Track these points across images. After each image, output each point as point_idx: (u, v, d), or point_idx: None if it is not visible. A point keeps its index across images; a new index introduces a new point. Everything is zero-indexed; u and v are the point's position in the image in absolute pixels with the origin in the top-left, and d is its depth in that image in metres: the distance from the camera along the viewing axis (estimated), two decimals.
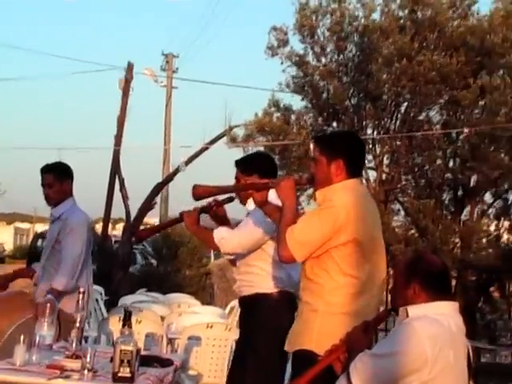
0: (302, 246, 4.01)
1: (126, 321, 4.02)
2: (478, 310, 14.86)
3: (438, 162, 14.98)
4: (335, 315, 4.01)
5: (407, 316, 3.58)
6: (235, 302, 12.68)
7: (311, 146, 4.44)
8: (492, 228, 15.44)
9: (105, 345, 6.57)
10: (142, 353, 4.29)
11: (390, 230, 14.20)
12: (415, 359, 3.39)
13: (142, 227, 16.01)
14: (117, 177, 17.77)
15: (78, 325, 4.64)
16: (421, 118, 15.16)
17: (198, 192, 4.62)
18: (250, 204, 5.08)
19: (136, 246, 22.82)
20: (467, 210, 15.29)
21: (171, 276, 17.92)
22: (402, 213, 15.99)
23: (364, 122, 15.51)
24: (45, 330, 4.45)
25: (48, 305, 4.49)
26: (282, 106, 15.93)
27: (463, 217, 15.23)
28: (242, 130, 16.35)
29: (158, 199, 19.86)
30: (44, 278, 5.94)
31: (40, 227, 70.38)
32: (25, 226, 71.87)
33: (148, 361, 4.41)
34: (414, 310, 3.57)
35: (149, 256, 29.61)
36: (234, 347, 6.82)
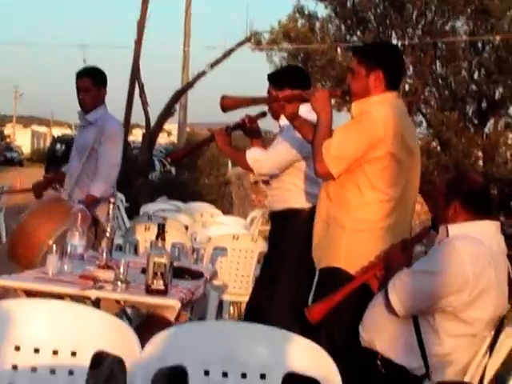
0: (339, 161, 3.92)
1: (160, 233, 3.98)
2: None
3: (463, 73, 14.72)
4: (363, 231, 3.96)
5: (447, 235, 3.52)
6: (256, 213, 12.74)
7: (352, 57, 4.29)
8: None
9: (130, 254, 6.57)
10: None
11: None
12: (456, 279, 3.34)
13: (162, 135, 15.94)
14: (136, 82, 17.63)
15: (108, 234, 4.62)
16: (447, 28, 14.82)
17: (227, 103, 4.50)
18: (283, 119, 5.00)
19: (154, 153, 22.84)
20: (491, 122, 15.13)
21: (191, 184, 17.93)
22: (425, 124, 15.84)
23: (388, 32, 15.23)
24: (76, 240, 4.40)
25: (80, 214, 4.44)
26: (306, 12, 15.64)
27: (486, 130, 15.07)
28: (267, 35, 16.10)
29: (177, 106, 19.74)
30: (77, 187, 5.85)
31: (57, 131, 70.86)
32: (42, 129, 72.09)
33: (179, 273, 4.39)
34: (454, 229, 3.51)
35: (167, 164, 29.75)
36: (260, 260, 6.84)
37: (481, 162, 14.37)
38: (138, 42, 17.59)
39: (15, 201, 12.39)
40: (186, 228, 8.72)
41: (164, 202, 12.77)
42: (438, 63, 15.07)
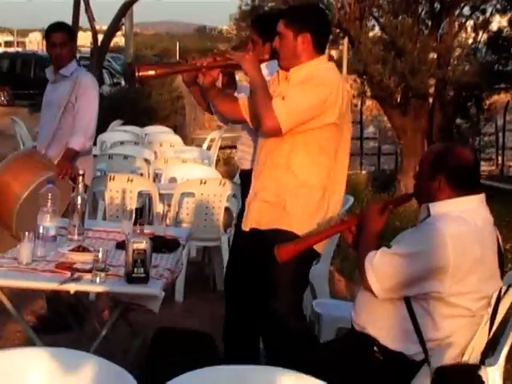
0: (290, 117, 3.92)
1: (138, 219, 3.86)
2: (456, 127, 14.86)
3: None
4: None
5: (429, 214, 3.43)
6: (214, 135, 12.62)
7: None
8: (469, 42, 15.17)
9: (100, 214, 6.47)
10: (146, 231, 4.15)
11: (367, 50, 13.89)
12: (437, 262, 3.25)
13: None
14: None
15: (78, 208, 4.49)
16: None
17: (142, 76, 4.17)
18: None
19: (104, 64, 22.33)
20: (444, 24, 14.94)
21: (143, 100, 17.60)
22: (377, 29, 15.61)
23: None
24: (48, 221, 4.26)
25: (49, 194, 4.27)
26: None
27: (441, 31, 14.88)
28: None
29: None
30: (53, 143, 5.72)
31: None
32: None
33: (156, 245, 4.27)
34: (436, 208, 3.40)
35: (117, 74, 29.25)
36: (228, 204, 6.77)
37: (436, 67, 14.17)
38: None
39: None
40: (147, 161, 8.63)
41: (119, 127, 12.58)
42: None
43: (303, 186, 4.04)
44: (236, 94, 4.62)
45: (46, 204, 4.28)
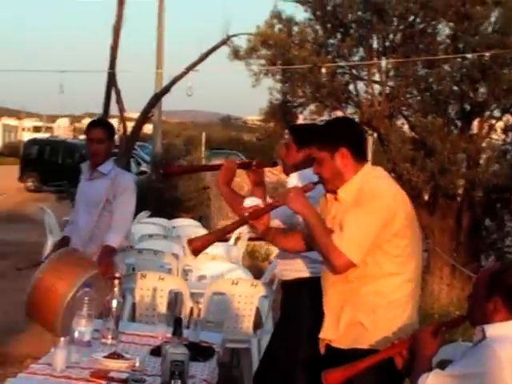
0: (359, 248, 3.74)
1: (178, 329, 3.78)
2: (485, 229, 14.73)
3: (447, 78, 14.51)
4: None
5: (484, 337, 3.32)
6: (241, 229, 12.54)
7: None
8: (499, 143, 15.16)
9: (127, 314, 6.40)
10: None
11: (396, 148, 13.91)
12: (494, 383, 3.15)
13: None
14: (113, 88, 17.37)
15: (114, 311, 4.43)
16: (429, 31, 14.60)
17: (197, 247, 4.15)
18: (292, 177, 4.82)
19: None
20: (475, 124, 14.96)
21: (169, 190, 17.67)
22: (406, 127, 15.66)
23: (369, 35, 14.98)
24: (83, 326, 4.18)
25: (86, 298, 4.21)
26: (284, 17, 15.36)
27: (471, 132, 14.89)
28: (245, 43, 15.80)
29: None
30: (91, 241, 5.75)
31: (28, 123, 70.20)
32: (13, 122, 71.47)
33: (190, 353, 4.17)
34: (492, 330, 3.31)
35: (142, 162, 29.50)
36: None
37: (465, 168, 14.14)
38: (114, 48, 17.30)
39: None
40: (175, 256, 8.57)
41: (147, 219, 12.58)
42: (419, 66, 14.82)
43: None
44: (272, 218, 4.52)
45: (82, 308, 4.21)
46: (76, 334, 4.15)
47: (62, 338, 3.89)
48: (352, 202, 3.82)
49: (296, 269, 4.77)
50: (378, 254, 3.80)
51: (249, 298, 6.61)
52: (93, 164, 5.85)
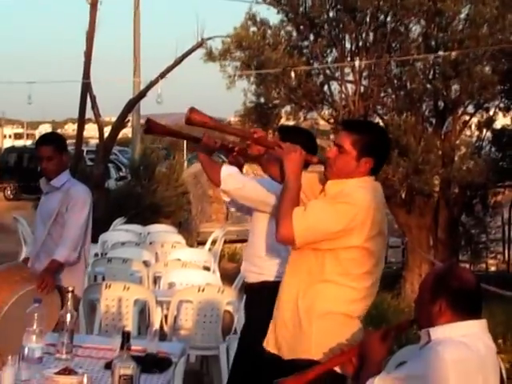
0: (307, 232, 3.69)
1: (125, 343, 3.73)
2: (462, 225, 14.78)
3: (419, 73, 14.55)
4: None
5: (429, 340, 3.30)
6: (217, 233, 12.53)
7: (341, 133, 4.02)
8: (474, 140, 15.21)
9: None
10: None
11: None
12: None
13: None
14: (88, 94, 17.28)
15: (68, 325, 4.37)
16: (401, 29, 14.64)
17: (194, 118, 4.08)
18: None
19: (111, 158, 22.46)
20: (448, 122, 15.00)
21: (148, 196, 17.59)
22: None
23: (342, 35, 15.02)
24: (33, 342, 4.11)
25: (36, 314, 4.15)
26: (258, 19, 15.36)
27: (445, 129, 14.93)
28: (219, 45, 15.77)
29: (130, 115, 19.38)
30: (43, 252, 5.73)
31: (8, 130, 69.87)
32: None
33: (146, 365, 4.13)
34: (436, 333, 3.28)
35: (123, 167, 29.39)
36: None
37: (440, 167, 14.14)
38: (88, 54, 17.19)
39: None
40: (146, 264, 8.52)
41: (121, 226, 12.52)
42: (393, 64, 14.85)
43: None
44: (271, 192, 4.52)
45: (32, 324, 4.14)
46: (26, 351, 4.07)
47: (10, 357, 3.82)
48: (329, 195, 3.81)
49: (260, 271, 4.73)
50: (334, 264, 3.77)
51: (216, 305, 6.56)
52: (47, 179, 5.85)
